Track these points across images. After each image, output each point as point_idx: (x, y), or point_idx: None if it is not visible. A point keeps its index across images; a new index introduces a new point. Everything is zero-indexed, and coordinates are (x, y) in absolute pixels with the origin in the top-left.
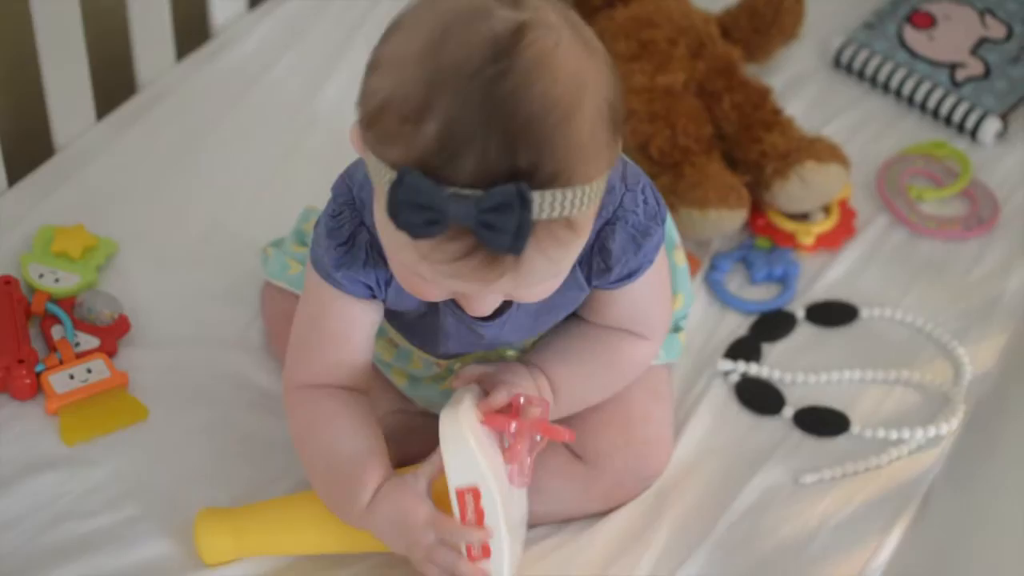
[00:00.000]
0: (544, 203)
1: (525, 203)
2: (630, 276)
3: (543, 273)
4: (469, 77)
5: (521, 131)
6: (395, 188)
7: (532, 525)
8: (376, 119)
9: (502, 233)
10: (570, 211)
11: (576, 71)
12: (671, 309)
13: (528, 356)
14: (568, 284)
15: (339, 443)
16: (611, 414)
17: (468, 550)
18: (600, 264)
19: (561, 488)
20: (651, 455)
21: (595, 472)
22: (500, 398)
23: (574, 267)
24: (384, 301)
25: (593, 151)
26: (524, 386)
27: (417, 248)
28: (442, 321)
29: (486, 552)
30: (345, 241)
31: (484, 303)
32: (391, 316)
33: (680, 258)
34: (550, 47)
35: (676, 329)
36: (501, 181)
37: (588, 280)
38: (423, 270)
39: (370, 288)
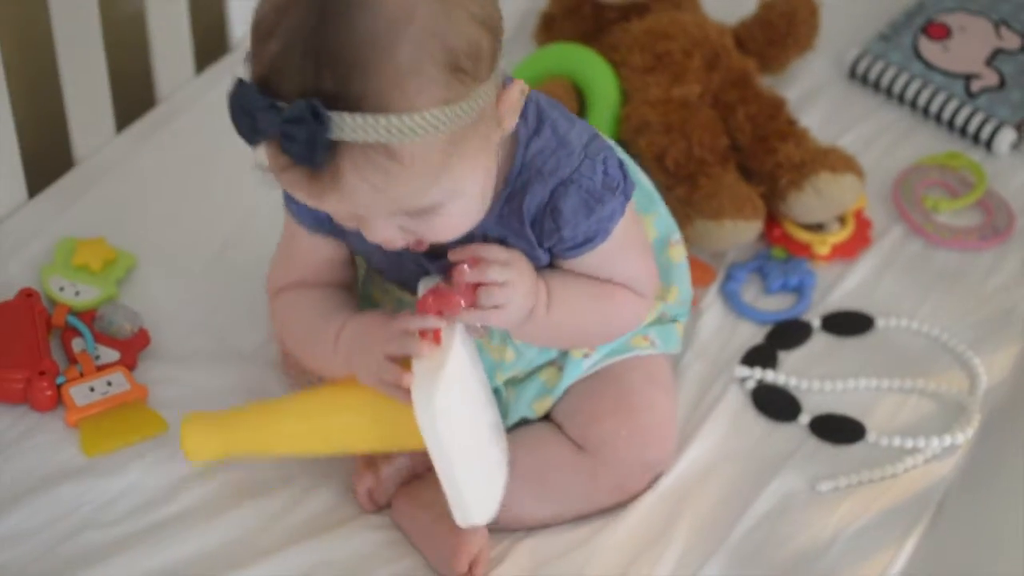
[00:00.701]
0: (349, 124)
1: (319, 118)
2: (585, 243)
3: (371, 200)
4: (308, 4)
5: (333, 54)
6: (231, 95)
7: (545, 526)
8: (249, 42)
9: (297, 144)
10: (384, 137)
11: (404, 6)
12: (652, 271)
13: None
14: (519, 243)
15: (314, 310)
16: (612, 401)
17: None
18: (551, 224)
19: (567, 482)
20: (654, 441)
21: (599, 461)
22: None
23: (525, 226)
24: (342, 240)
25: (414, 83)
26: (521, 289)
27: (268, 160)
28: (405, 261)
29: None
30: None
31: (373, 230)
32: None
33: (677, 254)
34: None
35: (672, 320)
36: (308, 97)
37: (539, 241)
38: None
39: (318, 219)
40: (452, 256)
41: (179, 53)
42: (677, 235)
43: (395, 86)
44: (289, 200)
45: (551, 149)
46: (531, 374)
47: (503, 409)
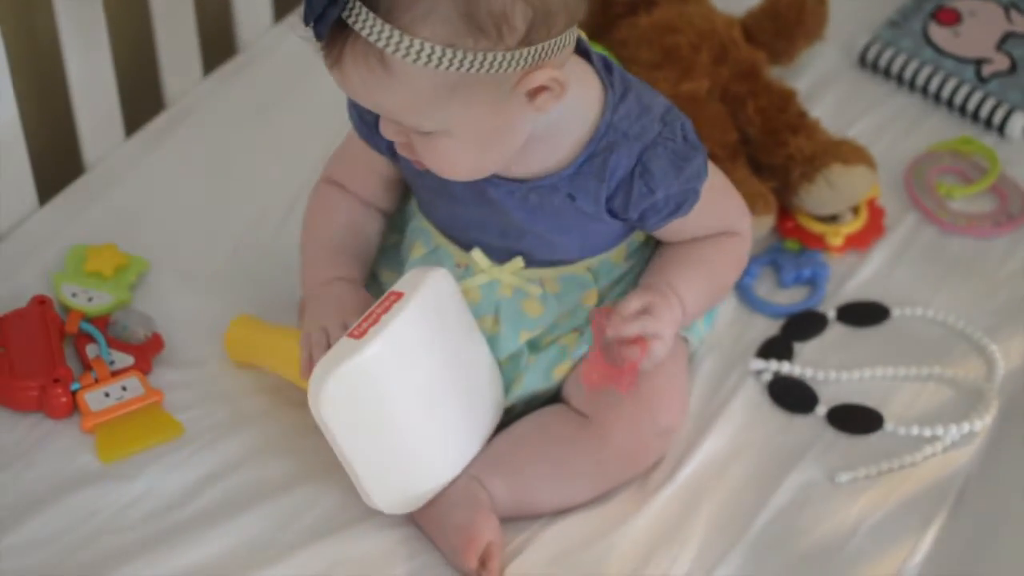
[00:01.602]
0: (356, 12)
1: None
2: (678, 209)
3: (362, 94)
4: None
5: None
6: None
7: (562, 512)
8: None
9: (311, 7)
10: (381, 41)
11: None
12: (740, 204)
13: (652, 279)
14: (585, 202)
15: (332, 231)
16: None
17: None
18: (642, 187)
19: (576, 456)
20: (661, 407)
21: (606, 428)
22: (631, 329)
23: (602, 187)
24: (392, 160)
25: (424, 10)
26: (670, 320)
27: None
28: (452, 188)
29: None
30: None
31: (381, 125)
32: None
33: None
34: None
35: None
36: None
37: (623, 207)
38: None
39: (368, 127)
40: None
41: (186, 56)
42: None
43: (408, 4)
44: (350, 104)
45: (636, 114)
46: (553, 341)
47: (516, 376)
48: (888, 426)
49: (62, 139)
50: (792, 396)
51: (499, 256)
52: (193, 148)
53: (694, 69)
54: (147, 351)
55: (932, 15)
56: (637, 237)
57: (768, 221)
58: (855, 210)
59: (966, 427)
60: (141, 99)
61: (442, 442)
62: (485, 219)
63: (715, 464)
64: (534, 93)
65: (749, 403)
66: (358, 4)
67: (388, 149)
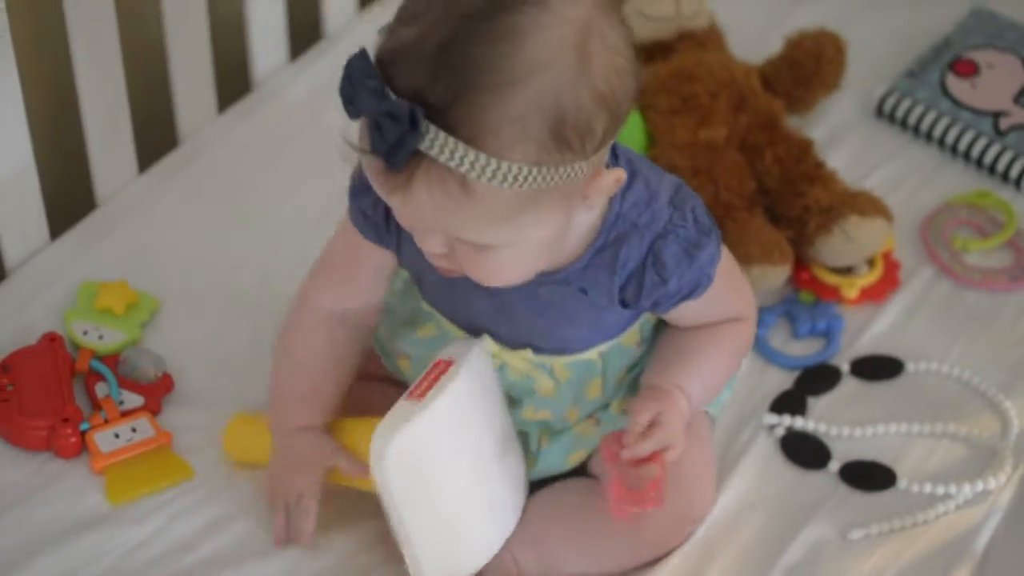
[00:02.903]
0: (438, 140)
1: (415, 126)
2: (691, 294)
3: (431, 217)
4: (459, 6)
5: (458, 67)
6: (350, 59)
7: None
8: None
9: (385, 140)
10: (464, 166)
11: (545, 59)
12: (748, 291)
13: (656, 378)
14: (598, 295)
15: (310, 363)
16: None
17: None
18: (654, 277)
19: (611, 539)
20: (694, 496)
21: (640, 518)
22: (647, 446)
23: (614, 279)
24: (396, 254)
25: (513, 132)
26: (678, 423)
27: (359, 133)
28: (458, 291)
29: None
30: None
31: (422, 237)
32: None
33: None
34: (543, 26)
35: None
36: (415, 100)
37: (636, 298)
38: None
39: (375, 226)
40: (608, 454)
41: (201, 92)
42: None
43: (496, 129)
44: (354, 198)
45: (644, 202)
46: (567, 428)
47: (529, 458)
48: (901, 483)
49: (75, 173)
50: (805, 452)
51: (508, 345)
52: (206, 185)
53: (712, 117)
54: (157, 391)
55: (950, 66)
56: (649, 319)
57: (784, 271)
58: (871, 262)
59: (980, 486)
60: (155, 135)
61: (490, 513)
62: (493, 313)
63: (728, 520)
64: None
65: (762, 458)
66: (436, 131)
67: (396, 245)
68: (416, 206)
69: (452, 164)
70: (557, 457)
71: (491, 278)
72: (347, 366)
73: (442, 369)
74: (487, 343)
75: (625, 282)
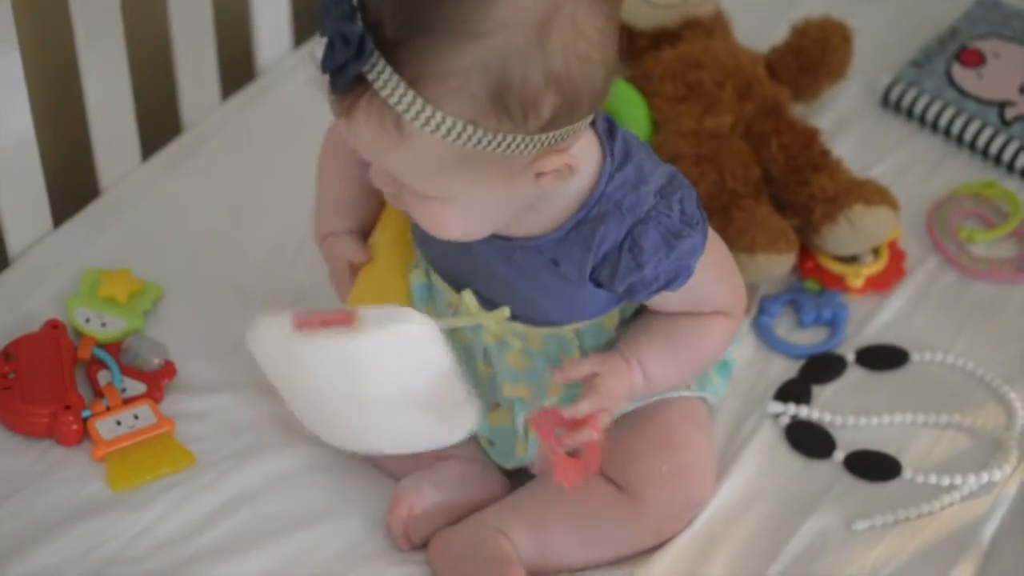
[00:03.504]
0: (383, 74)
1: (361, 52)
2: (668, 284)
3: (368, 149)
4: None
5: (417, 10)
6: None
7: (587, 568)
8: None
9: (332, 58)
10: (401, 106)
11: (505, 23)
12: (738, 288)
13: (621, 345)
14: (570, 269)
15: (334, 182)
16: (650, 439)
17: None
18: (629, 261)
19: (612, 527)
20: (694, 480)
21: (642, 502)
22: (584, 408)
23: (588, 256)
24: None
25: (454, 84)
26: (620, 391)
27: None
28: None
29: None
30: None
31: (372, 173)
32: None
33: None
34: None
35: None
36: (373, 29)
37: (610, 278)
38: None
39: None
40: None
41: (205, 80)
42: None
43: (438, 77)
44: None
45: (632, 184)
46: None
47: (516, 443)
48: (906, 474)
49: (78, 161)
50: (810, 441)
51: (489, 306)
52: (210, 173)
53: (718, 105)
54: (159, 379)
55: (956, 56)
56: (631, 306)
57: (789, 259)
58: (876, 251)
59: (985, 477)
60: (158, 122)
61: (367, 432)
62: (471, 271)
63: (732, 509)
64: (542, 174)
65: (766, 447)
66: (383, 64)
67: None
68: (357, 136)
69: (390, 100)
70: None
71: (434, 229)
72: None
73: (344, 320)
74: (428, 324)
75: (600, 262)
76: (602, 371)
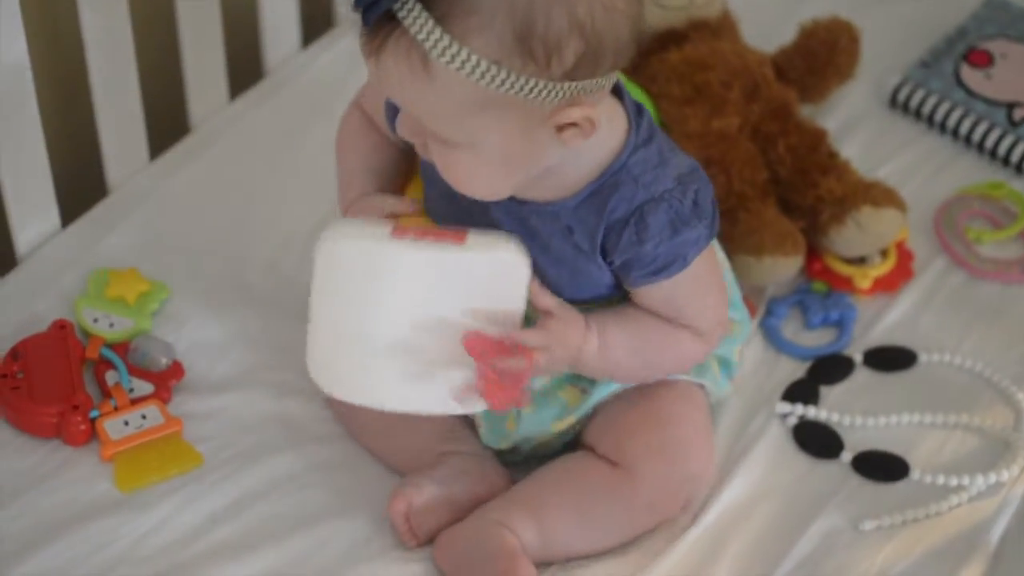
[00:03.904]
0: (413, 11)
1: None
2: (663, 269)
3: (394, 89)
4: None
5: None
6: None
7: (587, 557)
8: None
9: None
10: (429, 42)
11: None
12: (721, 316)
13: (591, 316)
14: (583, 239)
15: (356, 155)
16: (643, 415)
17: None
18: (632, 236)
19: (607, 504)
20: (690, 455)
21: (636, 476)
22: (527, 338)
23: (600, 225)
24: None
25: (480, 21)
26: (569, 342)
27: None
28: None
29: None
30: None
31: (400, 121)
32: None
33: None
34: None
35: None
36: None
37: (611, 249)
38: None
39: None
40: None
41: (213, 80)
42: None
43: (465, 13)
44: None
45: (652, 163)
46: (552, 391)
47: (511, 417)
48: (914, 474)
49: (87, 161)
50: (817, 441)
51: None
52: (218, 172)
53: (725, 106)
54: (167, 379)
55: (964, 57)
56: None
57: (797, 261)
58: (884, 253)
59: (993, 477)
60: (166, 122)
61: (394, 374)
62: None
63: (739, 509)
64: (563, 127)
65: (774, 447)
66: (413, 1)
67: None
68: (384, 75)
69: (419, 37)
70: (541, 420)
71: (456, 180)
72: (389, 156)
73: (455, 237)
74: (525, 264)
75: (607, 231)
76: (562, 317)
